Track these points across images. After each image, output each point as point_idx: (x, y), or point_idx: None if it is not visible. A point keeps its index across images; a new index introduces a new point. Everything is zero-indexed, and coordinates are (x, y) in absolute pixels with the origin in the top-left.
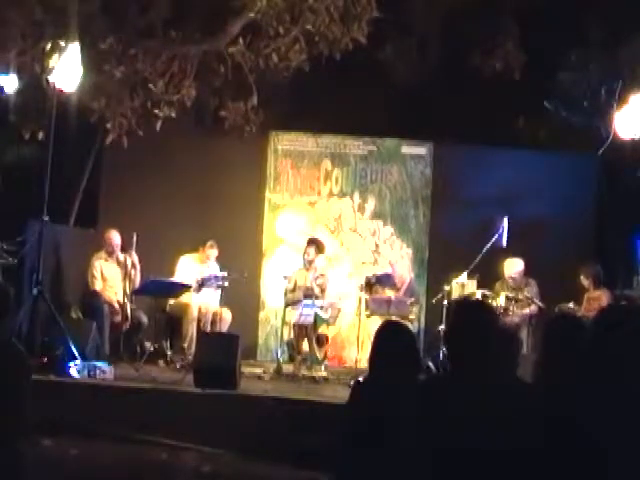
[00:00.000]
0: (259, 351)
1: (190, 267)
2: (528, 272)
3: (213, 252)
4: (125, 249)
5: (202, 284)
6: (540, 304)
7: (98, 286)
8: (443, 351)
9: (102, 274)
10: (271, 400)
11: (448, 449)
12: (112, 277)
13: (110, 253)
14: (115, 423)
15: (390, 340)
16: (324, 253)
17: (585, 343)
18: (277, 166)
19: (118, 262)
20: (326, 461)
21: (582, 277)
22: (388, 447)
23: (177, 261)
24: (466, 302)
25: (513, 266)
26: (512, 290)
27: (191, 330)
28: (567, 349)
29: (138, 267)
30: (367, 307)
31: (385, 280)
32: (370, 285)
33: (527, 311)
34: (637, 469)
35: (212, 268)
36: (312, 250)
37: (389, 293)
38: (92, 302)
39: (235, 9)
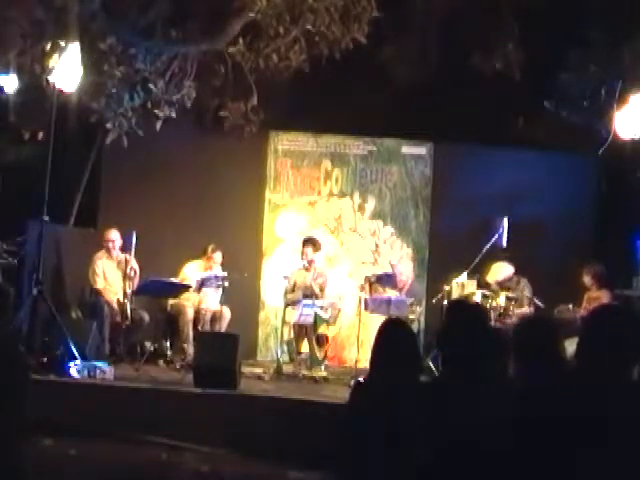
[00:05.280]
0: (259, 351)
1: (196, 274)
2: (525, 272)
3: (218, 255)
4: (124, 249)
5: (202, 284)
6: (540, 304)
7: (100, 284)
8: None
9: (104, 273)
10: (271, 400)
11: (448, 449)
12: (112, 277)
13: (110, 252)
14: (115, 423)
15: (391, 339)
16: (321, 250)
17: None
18: (277, 166)
19: (118, 262)
20: (326, 461)
21: (586, 276)
22: (388, 448)
23: (177, 261)
24: (457, 305)
25: (500, 272)
26: (502, 291)
27: (187, 330)
28: (543, 349)
29: (138, 272)
30: (367, 307)
31: (385, 280)
32: (370, 284)
33: (526, 310)
34: (635, 466)
35: (216, 271)
36: (309, 250)
37: (390, 293)
38: (93, 301)
39: (235, 9)
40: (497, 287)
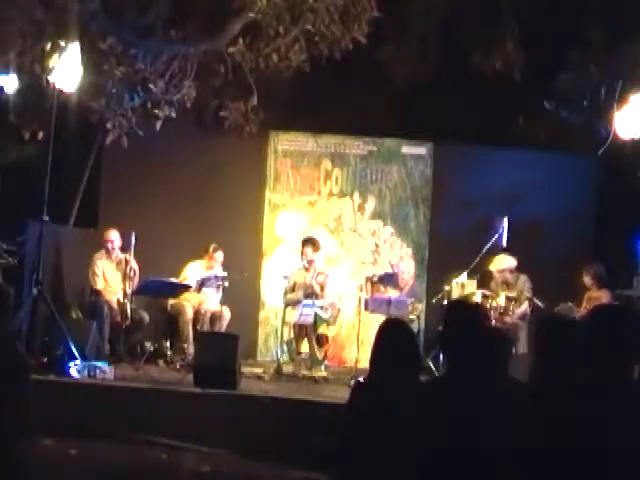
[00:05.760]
0: (259, 351)
1: (198, 274)
2: (525, 271)
3: (219, 255)
4: (124, 249)
5: (202, 284)
6: (540, 304)
7: (100, 285)
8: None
9: (103, 273)
10: (271, 400)
11: (449, 449)
12: (112, 277)
13: (109, 253)
14: (115, 423)
15: (391, 339)
16: (320, 250)
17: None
18: (277, 166)
19: (117, 262)
20: (326, 461)
21: (585, 276)
22: (388, 448)
23: (178, 260)
24: (457, 304)
25: (503, 262)
26: (503, 285)
27: (187, 330)
28: (561, 349)
29: (137, 272)
30: (367, 307)
31: (388, 280)
32: (372, 284)
33: (525, 307)
34: (636, 466)
35: (216, 271)
36: (309, 250)
37: (391, 292)
38: (93, 301)
39: (235, 9)
40: (498, 276)
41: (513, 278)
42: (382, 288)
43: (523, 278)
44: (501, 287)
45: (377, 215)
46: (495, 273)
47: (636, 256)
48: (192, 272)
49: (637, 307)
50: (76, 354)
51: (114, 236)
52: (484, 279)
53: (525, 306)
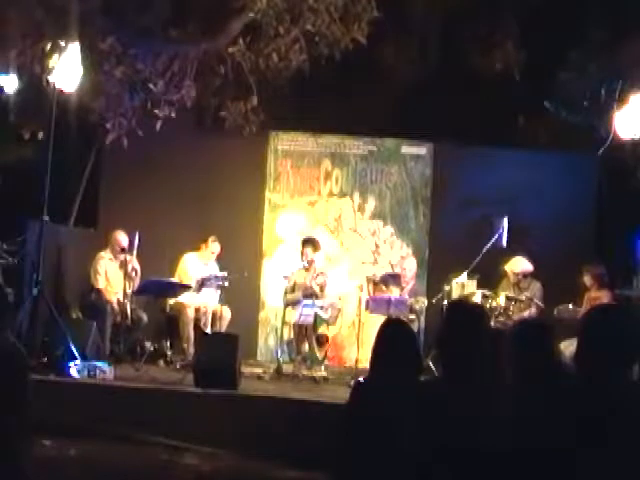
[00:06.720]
0: (259, 351)
1: (193, 265)
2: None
3: (216, 246)
4: (125, 249)
5: (202, 284)
6: (540, 304)
7: (101, 284)
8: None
9: (106, 273)
10: (271, 400)
11: (448, 449)
12: (114, 277)
13: (116, 254)
14: (115, 423)
15: (391, 339)
16: (320, 250)
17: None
18: (277, 166)
19: (120, 262)
20: (326, 461)
21: (586, 276)
22: (388, 448)
23: (178, 260)
24: (458, 305)
25: (520, 264)
26: (514, 287)
27: (187, 331)
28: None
29: (139, 273)
30: (367, 307)
31: (390, 280)
32: (375, 284)
33: (527, 313)
34: (636, 466)
35: (212, 267)
36: (309, 250)
37: (394, 292)
38: (94, 301)
39: (235, 9)
40: (512, 277)
41: (525, 282)
42: (384, 288)
43: (537, 285)
44: (512, 288)
45: (377, 215)
46: (510, 273)
47: (636, 256)
48: (189, 265)
49: (637, 307)
50: (76, 354)
51: (123, 238)
52: (496, 277)
53: (529, 311)
